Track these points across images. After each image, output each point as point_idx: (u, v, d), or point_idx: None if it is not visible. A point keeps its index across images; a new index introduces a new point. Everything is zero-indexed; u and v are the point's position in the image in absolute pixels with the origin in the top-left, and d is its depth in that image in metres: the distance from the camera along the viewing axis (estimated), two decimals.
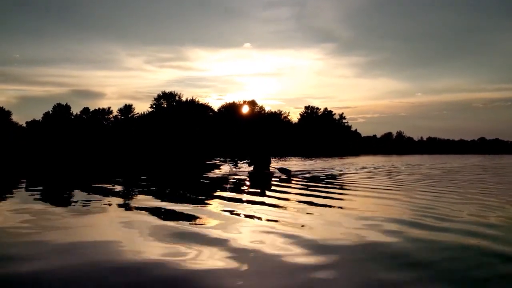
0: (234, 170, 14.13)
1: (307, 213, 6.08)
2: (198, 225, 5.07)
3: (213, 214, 5.94)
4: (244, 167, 14.61)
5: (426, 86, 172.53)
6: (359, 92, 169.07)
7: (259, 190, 9.49)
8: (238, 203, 7.20)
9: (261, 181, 11.62)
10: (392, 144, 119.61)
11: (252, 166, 13.80)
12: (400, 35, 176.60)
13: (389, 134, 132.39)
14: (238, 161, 17.96)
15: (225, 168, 16.26)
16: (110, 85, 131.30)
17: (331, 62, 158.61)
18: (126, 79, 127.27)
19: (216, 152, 48.90)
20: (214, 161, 23.44)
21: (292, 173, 14.46)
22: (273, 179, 12.32)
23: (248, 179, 12.21)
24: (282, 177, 13.25)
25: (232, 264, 3.26)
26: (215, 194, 8.91)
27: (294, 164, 22.30)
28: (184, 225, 4.97)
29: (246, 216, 5.82)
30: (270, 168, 13.86)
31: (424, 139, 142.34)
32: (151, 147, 48.74)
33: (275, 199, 7.75)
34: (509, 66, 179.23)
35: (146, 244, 3.96)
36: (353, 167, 20.64)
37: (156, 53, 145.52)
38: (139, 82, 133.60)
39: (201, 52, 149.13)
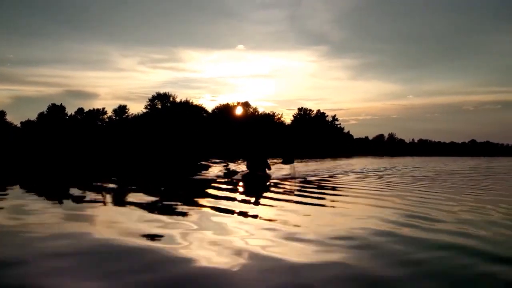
0: (228, 170, 13.34)
1: (301, 213, 6.24)
2: (188, 223, 5.16)
3: (204, 213, 6.06)
4: (240, 169, 14.08)
5: (418, 88, 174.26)
6: (351, 94, 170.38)
7: (249, 191, 9.64)
8: (229, 201, 7.37)
9: (253, 183, 11.33)
10: (384, 146, 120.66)
11: (248, 168, 13.10)
12: (392, 37, 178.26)
13: (381, 136, 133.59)
14: (230, 163, 17.47)
15: (217, 170, 16.00)
16: (104, 85, 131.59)
17: (324, 64, 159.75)
18: (120, 80, 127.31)
19: (210, 153, 49.41)
20: (208, 162, 23.57)
21: (286, 176, 13.45)
22: (270, 181, 11.89)
23: (240, 180, 11.76)
24: (282, 173, 13.28)
25: (225, 262, 3.34)
26: (206, 193, 8.94)
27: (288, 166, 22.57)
28: (175, 221, 5.17)
29: (237, 213, 6.06)
30: (266, 170, 12.89)
31: (416, 141, 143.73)
32: (146, 148, 49.14)
33: (268, 200, 7.81)
34: (499, 69, 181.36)
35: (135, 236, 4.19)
36: (347, 168, 20.46)
37: (149, 54, 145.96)
38: (132, 83, 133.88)
39: (194, 53, 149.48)
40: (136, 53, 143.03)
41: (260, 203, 7.49)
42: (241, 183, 11.23)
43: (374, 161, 36.59)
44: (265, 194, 8.84)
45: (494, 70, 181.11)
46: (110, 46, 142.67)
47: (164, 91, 76.32)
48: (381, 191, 9.80)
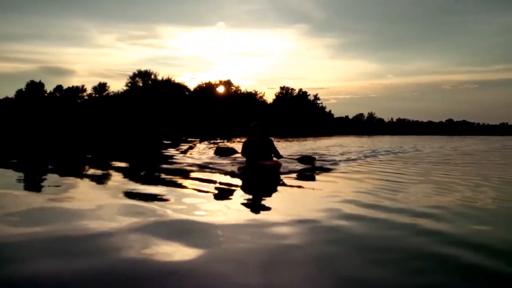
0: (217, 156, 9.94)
1: (282, 195, 6.14)
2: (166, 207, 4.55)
3: (184, 194, 5.62)
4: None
5: (397, 68, 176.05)
6: (332, 73, 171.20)
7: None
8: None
9: (260, 186, 6.84)
10: (363, 125, 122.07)
11: (245, 156, 8.50)
12: (373, 17, 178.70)
13: (361, 115, 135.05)
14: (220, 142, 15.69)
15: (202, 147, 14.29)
16: (81, 62, 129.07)
17: (306, 43, 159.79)
18: (98, 57, 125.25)
19: (193, 131, 49.49)
20: (189, 143, 23.37)
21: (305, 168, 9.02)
22: (283, 178, 7.57)
23: (239, 178, 7.43)
24: (299, 168, 8.84)
25: (207, 251, 2.97)
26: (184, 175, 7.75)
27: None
28: (151, 206, 4.57)
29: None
30: (273, 159, 8.51)
31: (394, 120, 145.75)
32: (128, 126, 48.91)
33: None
34: (476, 49, 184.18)
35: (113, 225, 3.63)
36: (344, 149, 18.17)
37: (128, 31, 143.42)
38: (110, 60, 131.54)
39: (174, 30, 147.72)
40: (115, 29, 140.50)
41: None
42: (234, 187, 6.51)
43: (357, 140, 37.12)
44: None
45: (471, 50, 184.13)
46: (88, 22, 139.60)
47: (143, 69, 75.58)
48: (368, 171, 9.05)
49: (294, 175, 8.13)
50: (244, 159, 8.63)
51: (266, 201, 5.41)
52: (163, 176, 7.73)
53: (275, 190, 6.56)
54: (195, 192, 5.82)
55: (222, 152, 9.91)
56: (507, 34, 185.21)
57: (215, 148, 10.96)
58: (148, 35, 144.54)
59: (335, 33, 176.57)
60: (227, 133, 49.89)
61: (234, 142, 26.64)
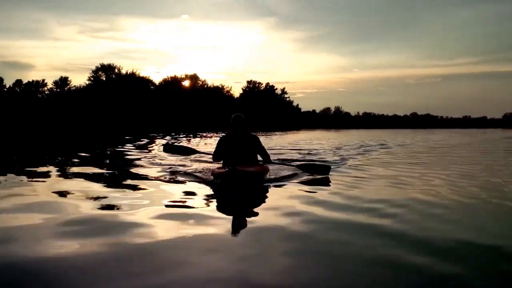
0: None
1: None
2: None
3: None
4: (192, 158, 9.00)
5: (362, 62, 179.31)
6: (299, 67, 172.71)
7: None
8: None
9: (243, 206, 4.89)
10: (330, 119, 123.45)
11: (217, 159, 6.65)
12: (338, 10, 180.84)
13: (328, 109, 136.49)
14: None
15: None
16: (40, 56, 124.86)
17: (272, 36, 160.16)
18: (58, 50, 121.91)
19: (158, 127, 48.70)
20: (155, 139, 22.99)
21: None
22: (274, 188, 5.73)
23: (211, 187, 5.68)
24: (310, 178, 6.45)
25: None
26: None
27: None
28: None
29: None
30: (256, 167, 6.26)
31: (361, 114, 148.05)
32: (90, 121, 47.71)
33: None
34: (439, 43, 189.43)
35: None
36: (315, 145, 17.52)
37: (89, 23, 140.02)
38: (71, 54, 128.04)
39: (136, 23, 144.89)
40: (75, 21, 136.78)
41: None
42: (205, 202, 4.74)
43: (327, 134, 37.33)
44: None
45: (435, 44, 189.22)
46: (46, 14, 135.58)
47: (105, 62, 73.79)
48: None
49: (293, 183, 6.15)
50: (218, 161, 6.69)
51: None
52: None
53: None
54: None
55: (172, 151, 8.21)
56: (470, 28, 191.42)
57: (163, 145, 8.75)
58: (110, 27, 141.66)
59: (301, 26, 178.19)
60: (194, 128, 49.38)
61: (202, 137, 26.25)
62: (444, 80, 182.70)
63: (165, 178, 6.49)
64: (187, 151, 7.96)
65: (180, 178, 6.39)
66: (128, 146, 15.17)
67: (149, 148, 14.46)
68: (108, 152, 12.49)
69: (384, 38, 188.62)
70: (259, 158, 6.72)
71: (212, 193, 5.40)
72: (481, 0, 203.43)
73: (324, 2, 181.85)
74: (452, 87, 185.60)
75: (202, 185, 5.84)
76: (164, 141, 19.51)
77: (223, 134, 6.64)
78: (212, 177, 6.07)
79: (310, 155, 11.63)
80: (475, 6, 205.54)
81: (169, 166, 7.87)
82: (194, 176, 6.51)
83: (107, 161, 10.07)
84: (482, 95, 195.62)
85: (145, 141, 19.68)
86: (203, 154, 7.65)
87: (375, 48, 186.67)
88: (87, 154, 11.93)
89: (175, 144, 9.10)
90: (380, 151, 14.40)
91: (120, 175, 7.44)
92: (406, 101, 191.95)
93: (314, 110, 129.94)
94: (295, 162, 7.84)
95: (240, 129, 6.38)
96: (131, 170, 7.65)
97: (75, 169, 7.91)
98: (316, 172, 6.73)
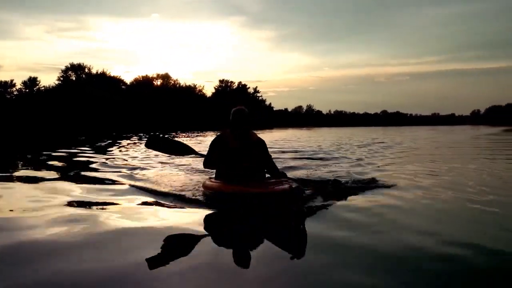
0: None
1: None
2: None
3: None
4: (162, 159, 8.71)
5: (333, 61, 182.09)
6: (270, 66, 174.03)
7: None
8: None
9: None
10: (302, 117, 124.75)
11: (210, 167, 5.03)
12: (307, 9, 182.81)
13: (300, 107, 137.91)
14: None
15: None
16: (6, 56, 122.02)
17: (243, 35, 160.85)
18: (25, 50, 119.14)
19: (130, 127, 48.45)
20: (128, 139, 22.69)
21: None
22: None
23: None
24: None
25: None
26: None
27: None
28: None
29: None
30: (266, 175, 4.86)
31: (332, 112, 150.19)
32: (60, 121, 47.07)
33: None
34: (409, 42, 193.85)
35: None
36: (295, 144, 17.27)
37: (56, 22, 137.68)
38: (39, 53, 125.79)
39: (105, 22, 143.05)
40: (41, 21, 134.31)
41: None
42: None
43: (305, 133, 37.57)
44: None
45: (404, 43, 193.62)
46: (11, 14, 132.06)
47: (75, 62, 72.54)
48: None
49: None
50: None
51: None
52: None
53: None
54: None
55: (158, 146, 5.68)
56: (437, 27, 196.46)
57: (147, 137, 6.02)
58: (78, 27, 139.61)
59: (271, 25, 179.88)
60: (166, 128, 49.26)
61: (173, 137, 25.97)
62: (412, 78, 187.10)
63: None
64: (181, 150, 5.60)
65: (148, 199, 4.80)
66: (83, 148, 14.50)
67: (107, 150, 13.95)
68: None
69: (353, 37, 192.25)
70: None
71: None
72: (447, 0, 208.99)
73: (293, 1, 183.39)
74: (421, 85, 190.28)
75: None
76: (129, 141, 19.20)
77: (218, 134, 5.11)
78: (202, 190, 4.75)
79: (310, 159, 10.05)
80: (442, 6, 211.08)
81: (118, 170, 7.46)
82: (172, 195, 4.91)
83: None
84: (450, 93, 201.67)
85: (107, 142, 19.18)
86: (202, 158, 5.15)
87: (346, 47, 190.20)
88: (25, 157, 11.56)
89: (165, 137, 6.11)
90: (385, 151, 12.93)
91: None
92: (376, 99, 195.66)
93: (286, 109, 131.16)
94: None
95: (242, 127, 4.78)
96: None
97: None
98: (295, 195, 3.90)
